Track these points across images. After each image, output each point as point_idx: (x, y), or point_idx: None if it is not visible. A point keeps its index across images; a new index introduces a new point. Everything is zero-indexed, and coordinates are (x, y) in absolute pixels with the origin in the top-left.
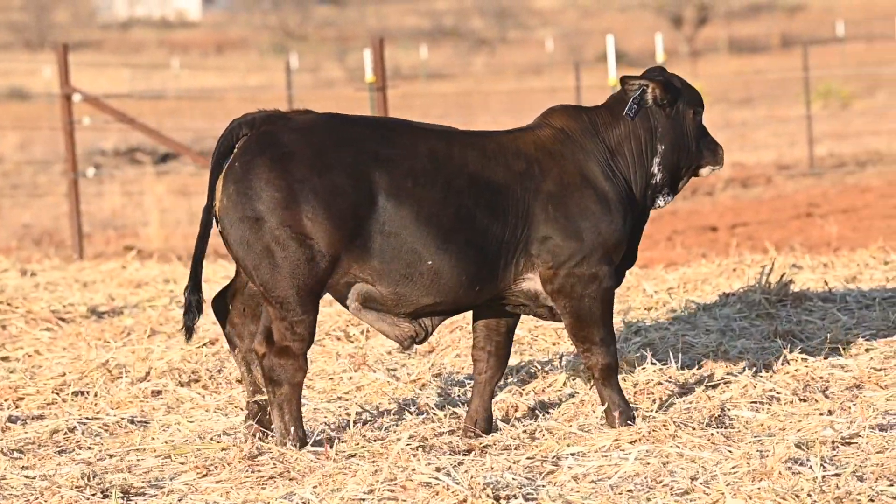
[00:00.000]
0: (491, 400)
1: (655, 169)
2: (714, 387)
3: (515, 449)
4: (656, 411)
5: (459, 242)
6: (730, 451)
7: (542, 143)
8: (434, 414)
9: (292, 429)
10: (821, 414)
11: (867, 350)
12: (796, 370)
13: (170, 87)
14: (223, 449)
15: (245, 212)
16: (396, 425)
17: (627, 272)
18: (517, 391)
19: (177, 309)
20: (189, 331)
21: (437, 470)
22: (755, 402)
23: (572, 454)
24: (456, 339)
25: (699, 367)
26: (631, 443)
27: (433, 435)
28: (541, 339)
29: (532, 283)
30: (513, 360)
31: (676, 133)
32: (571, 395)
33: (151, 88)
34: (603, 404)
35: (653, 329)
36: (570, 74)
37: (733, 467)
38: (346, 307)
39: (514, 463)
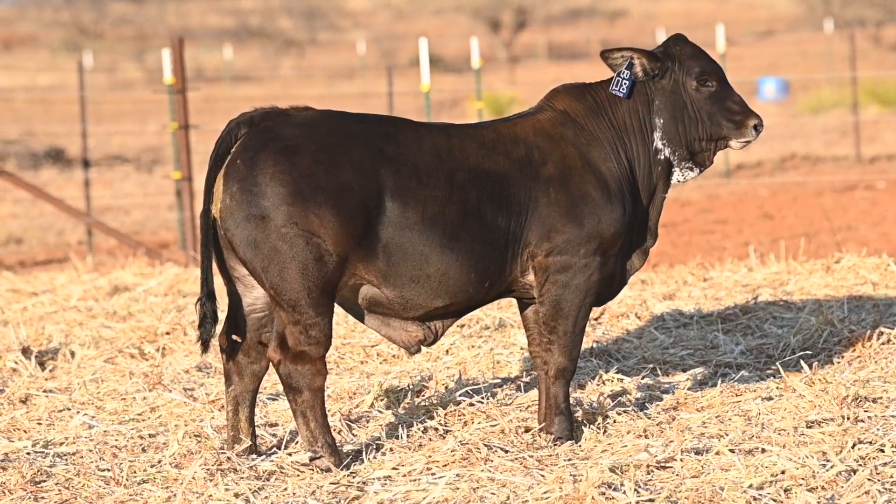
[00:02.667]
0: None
1: (659, 144)
2: (528, 408)
3: (319, 472)
4: (468, 433)
5: (466, 239)
6: (542, 476)
7: (542, 127)
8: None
9: (321, 436)
10: (636, 436)
11: (684, 371)
12: (612, 391)
13: None
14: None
15: (251, 210)
16: (193, 448)
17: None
18: None
19: None
20: (206, 344)
21: (236, 496)
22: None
23: (379, 478)
24: None
25: (513, 388)
26: (442, 466)
27: (232, 458)
28: (348, 357)
29: None
30: None
31: (676, 105)
32: (380, 416)
33: None
34: (546, 406)
35: (464, 348)
36: (383, 79)
37: (545, 492)
38: (354, 314)
39: (318, 488)
